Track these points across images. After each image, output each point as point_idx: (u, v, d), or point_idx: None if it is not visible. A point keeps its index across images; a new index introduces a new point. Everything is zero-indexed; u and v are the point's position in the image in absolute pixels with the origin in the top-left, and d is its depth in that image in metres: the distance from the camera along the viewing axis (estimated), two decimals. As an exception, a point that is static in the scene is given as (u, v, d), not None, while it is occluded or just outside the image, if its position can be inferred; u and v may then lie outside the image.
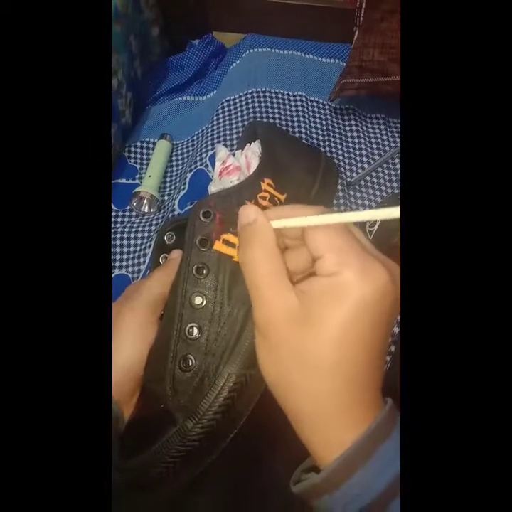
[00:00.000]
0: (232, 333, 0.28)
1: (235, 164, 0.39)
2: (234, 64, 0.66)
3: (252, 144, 0.41)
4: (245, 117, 0.58)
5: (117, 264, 0.52)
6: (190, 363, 0.28)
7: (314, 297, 0.22)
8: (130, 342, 0.30)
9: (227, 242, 0.31)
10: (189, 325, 0.28)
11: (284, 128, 0.57)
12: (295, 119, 0.58)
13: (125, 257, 0.52)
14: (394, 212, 0.20)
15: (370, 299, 0.21)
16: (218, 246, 0.30)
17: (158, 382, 0.28)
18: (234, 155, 0.41)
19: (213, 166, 0.54)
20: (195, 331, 0.28)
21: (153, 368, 0.29)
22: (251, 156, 0.39)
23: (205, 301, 0.29)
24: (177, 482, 0.27)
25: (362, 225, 0.47)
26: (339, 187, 0.53)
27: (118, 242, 0.53)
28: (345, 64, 0.58)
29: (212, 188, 0.39)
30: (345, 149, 0.57)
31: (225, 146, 0.56)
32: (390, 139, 0.59)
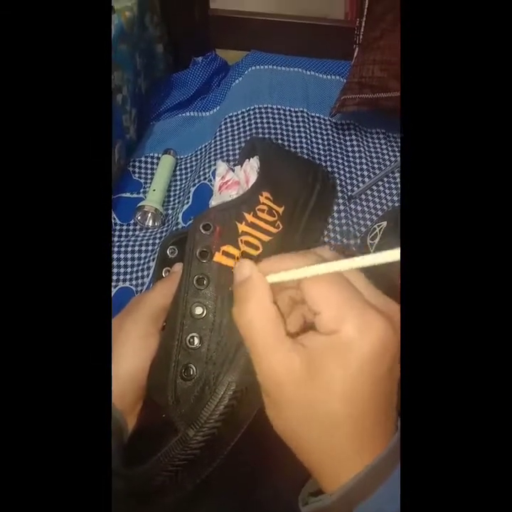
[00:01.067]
0: (233, 342, 0.28)
1: (234, 179, 0.40)
2: (236, 81, 0.67)
3: (251, 159, 0.41)
4: (248, 133, 0.59)
5: (121, 277, 0.52)
6: (192, 372, 0.28)
7: (316, 354, 0.22)
8: (132, 353, 0.30)
9: (226, 254, 0.31)
10: (190, 335, 0.29)
11: (286, 143, 0.58)
12: (297, 134, 0.59)
13: (129, 270, 0.53)
14: (394, 255, 0.20)
15: (373, 353, 0.21)
16: (218, 257, 0.31)
17: (161, 392, 0.28)
18: (233, 170, 0.42)
19: (216, 180, 0.55)
20: (196, 341, 0.29)
21: (155, 378, 0.30)
22: (250, 171, 0.40)
23: (205, 312, 0.29)
24: (180, 491, 0.27)
25: (363, 239, 0.47)
26: (340, 201, 0.54)
27: (122, 256, 0.54)
28: (345, 80, 0.59)
29: (213, 203, 0.40)
30: (346, 163, 0.58)
31: (228, 161, 0.57)
32: (391, 153, 0.59)
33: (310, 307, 0.23)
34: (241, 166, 0.42)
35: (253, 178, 0.39)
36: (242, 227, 0.33)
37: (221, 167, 0.42)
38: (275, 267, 0.25)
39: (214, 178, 0.56)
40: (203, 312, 0.29)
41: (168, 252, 0.37)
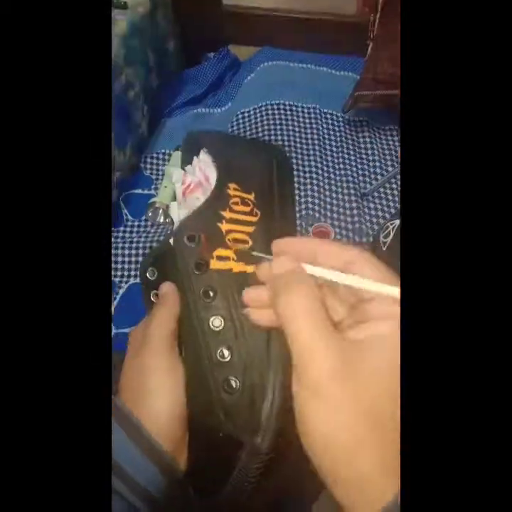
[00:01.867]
0: (261, 340, 0.28)
1: (194, 180, 0.38)
2: (248, 77, 0.67)
3: (200, 154, 0.40)
4: (260, 129, 0.59)
5: (132, 272, 0.53)
6: (234, 384, 0.27)
7: (366, 347, 0.21)
8: (164, 389, 0.29)
9: (220, 258, 0.31)
10: (218, 349, 0.28)
11: (298, 139, 0.57)
12: (309, 130, 0.59)
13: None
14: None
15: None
16: (214, 264, 0.30)
17: (207, 414, 0.28)
18: (187, 171, 0.41)
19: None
20: (226, 353, 0.28)
21: (196, 402, 0.29)
22: (205, 167, 0.38)
23: (223, 322, 0.29)
24: (265, 495, 0.27)
25: (376, 237, 0.47)
26: (353, 198, 0.54)
27: (133, 251, 0.54)
28: (358, 76, 0.59)
29: (182, 211, 0.38)
30: (358, 160, 0.57)
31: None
32: (404, 151, 0.59)
33: (360, 294, 0.22)
34: (191, 166, 0.40)
35: (211, 173, 0.37)
36: (224, 226, 0.32)
37: (176, 173, 0.41)
38: (312, 257, 0.24)
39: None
40: (221, 323, 0.29)
41: (148, 275, 0.35)
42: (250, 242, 0.32)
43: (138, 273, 0.52)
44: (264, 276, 0.26)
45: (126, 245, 0.54)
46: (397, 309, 0.21)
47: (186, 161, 0.40)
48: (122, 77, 0.57)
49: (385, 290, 0.22)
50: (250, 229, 0.33)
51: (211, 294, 0.29)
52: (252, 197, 0.36)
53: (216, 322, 0.29)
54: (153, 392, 0.29)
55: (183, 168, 0.40)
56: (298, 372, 0.22)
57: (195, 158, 0.40)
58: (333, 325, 0.23)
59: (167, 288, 0.32)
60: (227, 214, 0.33)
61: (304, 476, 0.28)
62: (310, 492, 0.34)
